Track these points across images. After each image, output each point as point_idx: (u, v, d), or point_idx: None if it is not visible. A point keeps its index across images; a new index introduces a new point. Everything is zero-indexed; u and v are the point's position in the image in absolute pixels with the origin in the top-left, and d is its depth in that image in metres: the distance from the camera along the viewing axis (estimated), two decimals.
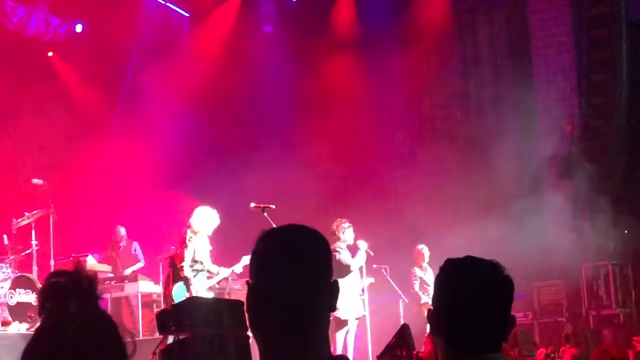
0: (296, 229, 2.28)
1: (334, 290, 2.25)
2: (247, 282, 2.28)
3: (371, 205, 14.39)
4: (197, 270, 10.69)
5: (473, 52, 16.35)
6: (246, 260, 11.04)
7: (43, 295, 1.99)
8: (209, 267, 10.86)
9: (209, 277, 10.93)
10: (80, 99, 14.95)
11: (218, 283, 11.21)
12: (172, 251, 11.33)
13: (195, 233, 10.69)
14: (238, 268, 11.11)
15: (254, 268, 2.24)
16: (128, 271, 13.82)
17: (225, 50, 16.73)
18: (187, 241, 10.66)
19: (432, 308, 2.82)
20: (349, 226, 12.30)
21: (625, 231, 15.61)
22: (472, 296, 2.73)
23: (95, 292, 1.98)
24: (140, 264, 14.03)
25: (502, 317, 2.74)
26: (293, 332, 2.17)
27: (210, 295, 10.92)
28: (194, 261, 10.67)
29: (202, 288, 10.79)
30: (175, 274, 10.72)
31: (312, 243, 2.25)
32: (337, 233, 12.18)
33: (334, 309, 2.26)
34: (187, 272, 10.58)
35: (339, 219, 12.37)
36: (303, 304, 2.18)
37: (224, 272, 11.04)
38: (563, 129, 16.27)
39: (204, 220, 10.75)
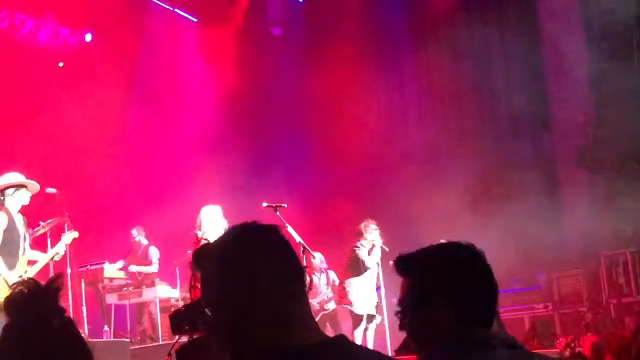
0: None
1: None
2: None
3: (384, 207, 14.35)
4: None
5: (484, 45, 16.26)
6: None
7: (10, 301, 2.26)
8: None
9: None
10: (93, 107, 15.00)
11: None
12: (188, 256, 11.34)
13: (204, 232, 10.72)
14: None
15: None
16: (134, 268, 13.84)
17: (235, 55, 16.68)
18: (200, 242, 10.67)
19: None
20: (376, 228, 12.69)
21: None
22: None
23: (52, 301, 2.22)
24: (150, 268, 13.95)
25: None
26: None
27: None
28: None
29: None
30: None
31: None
32: (364, 233, 12.62)
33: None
34: None
35: (368, 220, 12.75)
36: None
37: None
38: (577, 119, 16.17)
39: (210, 219, 10.77)
